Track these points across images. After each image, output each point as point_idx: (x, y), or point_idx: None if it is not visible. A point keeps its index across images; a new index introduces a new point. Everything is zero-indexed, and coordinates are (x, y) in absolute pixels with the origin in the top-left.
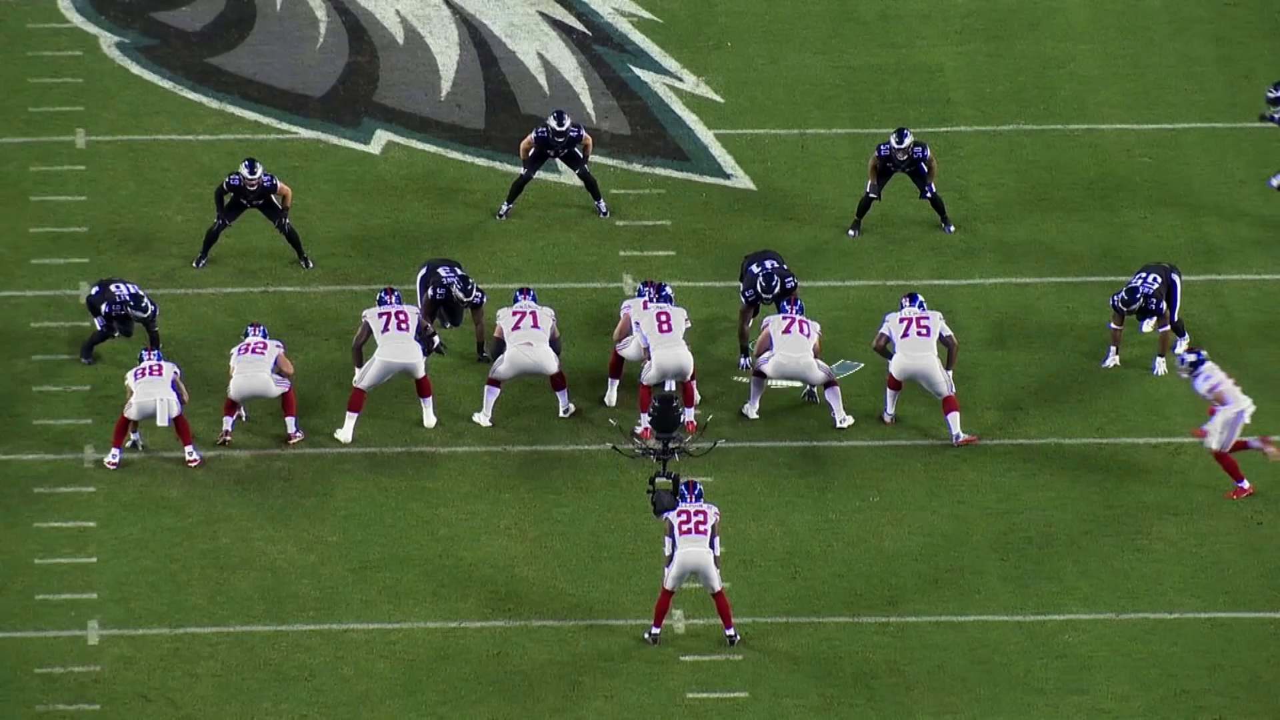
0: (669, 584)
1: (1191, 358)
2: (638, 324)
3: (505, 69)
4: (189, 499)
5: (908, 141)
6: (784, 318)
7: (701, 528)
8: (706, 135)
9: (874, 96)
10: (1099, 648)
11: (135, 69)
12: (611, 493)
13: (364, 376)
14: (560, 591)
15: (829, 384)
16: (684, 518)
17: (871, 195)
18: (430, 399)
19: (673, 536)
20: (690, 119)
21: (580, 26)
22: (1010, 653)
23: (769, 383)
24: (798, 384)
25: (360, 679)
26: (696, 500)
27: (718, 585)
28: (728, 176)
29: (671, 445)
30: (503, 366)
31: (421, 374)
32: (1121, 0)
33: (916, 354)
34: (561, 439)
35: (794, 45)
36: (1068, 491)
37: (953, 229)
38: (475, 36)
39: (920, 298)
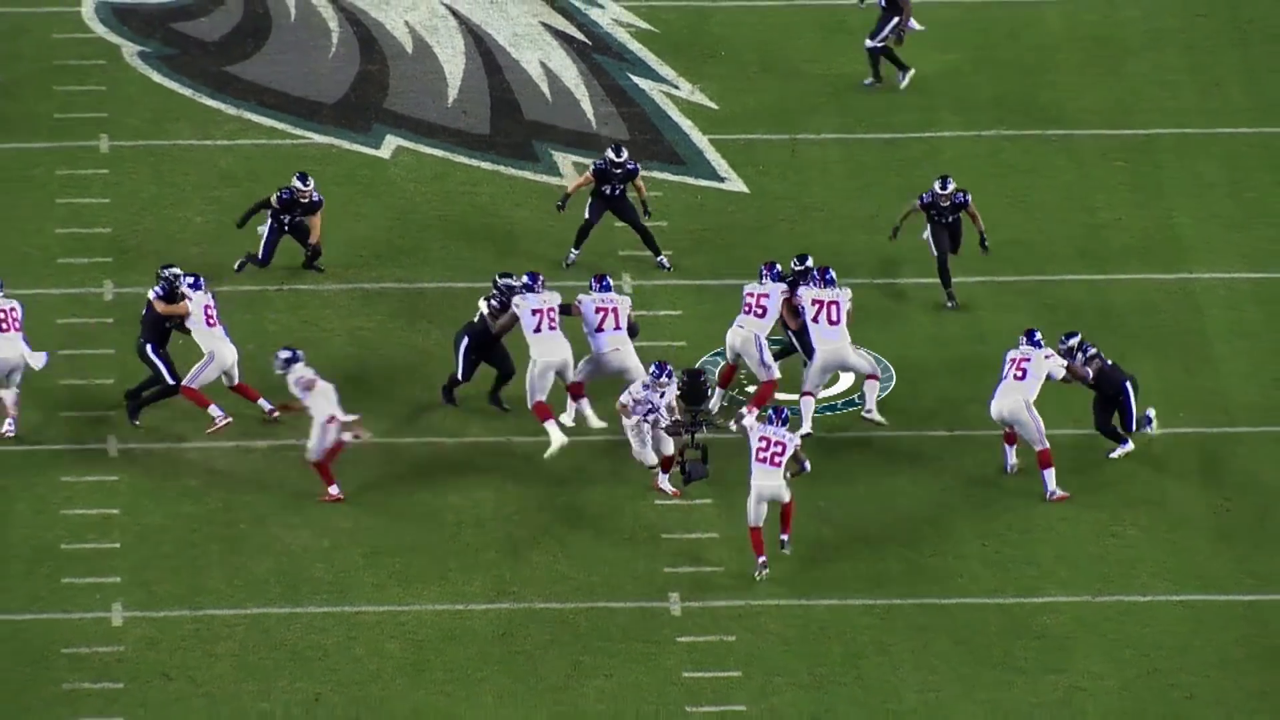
0: (751, 520)
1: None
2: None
3: (509, 77)
4: (208, 487)
5: (950, 188)
6: (814, 301)
7: (777, 460)
8: (701, 140)
9: (861, 103)
10: (1075, 629)
11: (156, 77)
12: (612, 481)
13: (534, 389)
14: (562, 575)
15: (870, 376)
16: (764, 444)
17: (894, 234)
18: (585, 399)
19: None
20: (686, 125)
21: (581, 36)
22: (991, 633)
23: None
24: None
25: (371, 658)
26: (781, 426)
27: (788, 498)
28: (721, 180)
29: (700, 418)
30: (588, 369)
31: (572, 376)
32: (1097, 12)
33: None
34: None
35: (785, 54)
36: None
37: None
38: (480, 46)
39: (1040, 340)
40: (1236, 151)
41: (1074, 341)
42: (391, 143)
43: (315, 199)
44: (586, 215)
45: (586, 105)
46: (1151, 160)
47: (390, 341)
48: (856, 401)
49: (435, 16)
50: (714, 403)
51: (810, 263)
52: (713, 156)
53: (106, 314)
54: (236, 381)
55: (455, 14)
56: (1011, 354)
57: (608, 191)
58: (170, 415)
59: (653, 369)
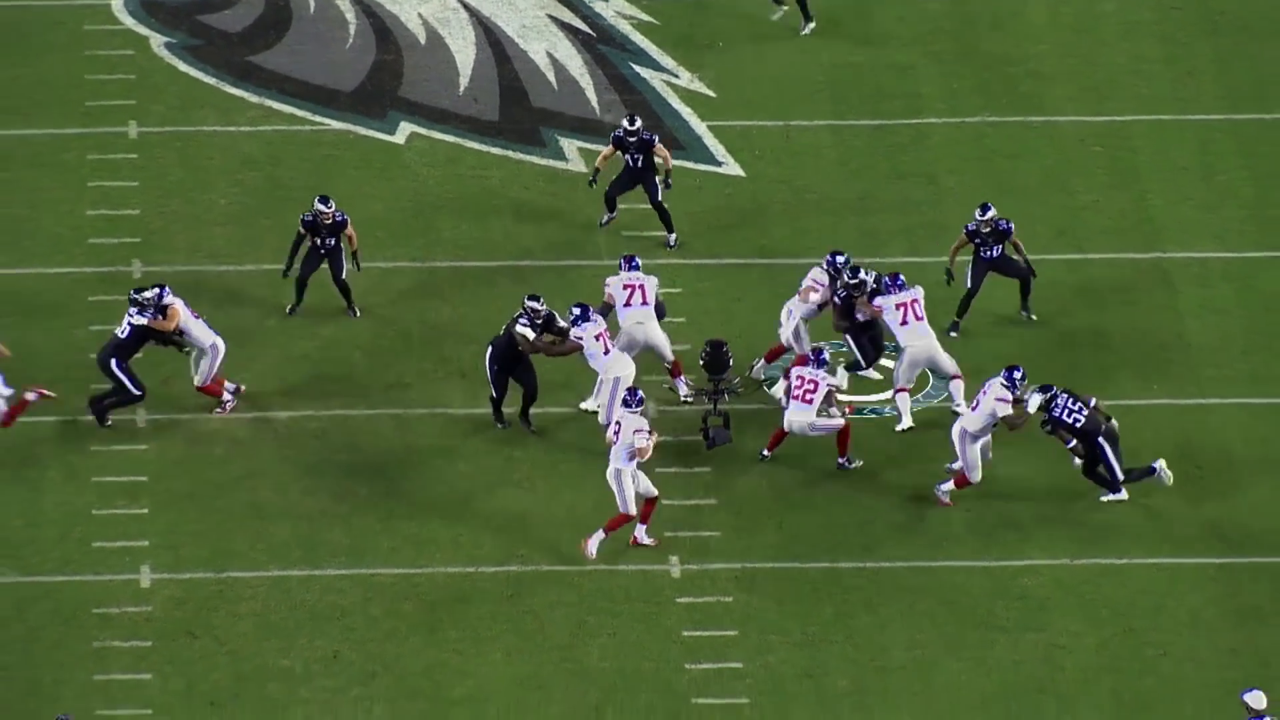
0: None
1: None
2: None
3: (517, 66)
4: (232, 456)
5: (990, 214)
6: (897, 306)
7: (809, 396)
8: (700, 126)
9: (852, 91)
10: (1055, 590)
11: (182, 66)
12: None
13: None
14: (568, 539)
15: (954, 376)
16: (799, 382)
17: (948, 279)
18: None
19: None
20: (685, 112)
21: (585, 28)
22: (975, 594)
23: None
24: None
25: (387, 618)
26: (819, 367)
27: (838, 425)
28: (719, 164)
29: (721, 386)
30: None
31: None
32: (1076, 4)
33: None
34: (570, 400)
35: (779, 45)
36: (1028, 450)
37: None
38: (490, 37)
39: (1017, 380)
40: (1208, 137)
41: (1047, 396)
42: (406, 129)
43: (339, 219)
44: (612, 180)
45: (591, 93)
46: (1127, 145)
47: (404, 317)
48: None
49: (447, 9)
50: (758, 369)
51: (864, 274)
52: (711, 142)
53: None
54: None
55: (466, 6)
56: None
57: (629, 162)
58: (194, 391)
59: (625, 396)
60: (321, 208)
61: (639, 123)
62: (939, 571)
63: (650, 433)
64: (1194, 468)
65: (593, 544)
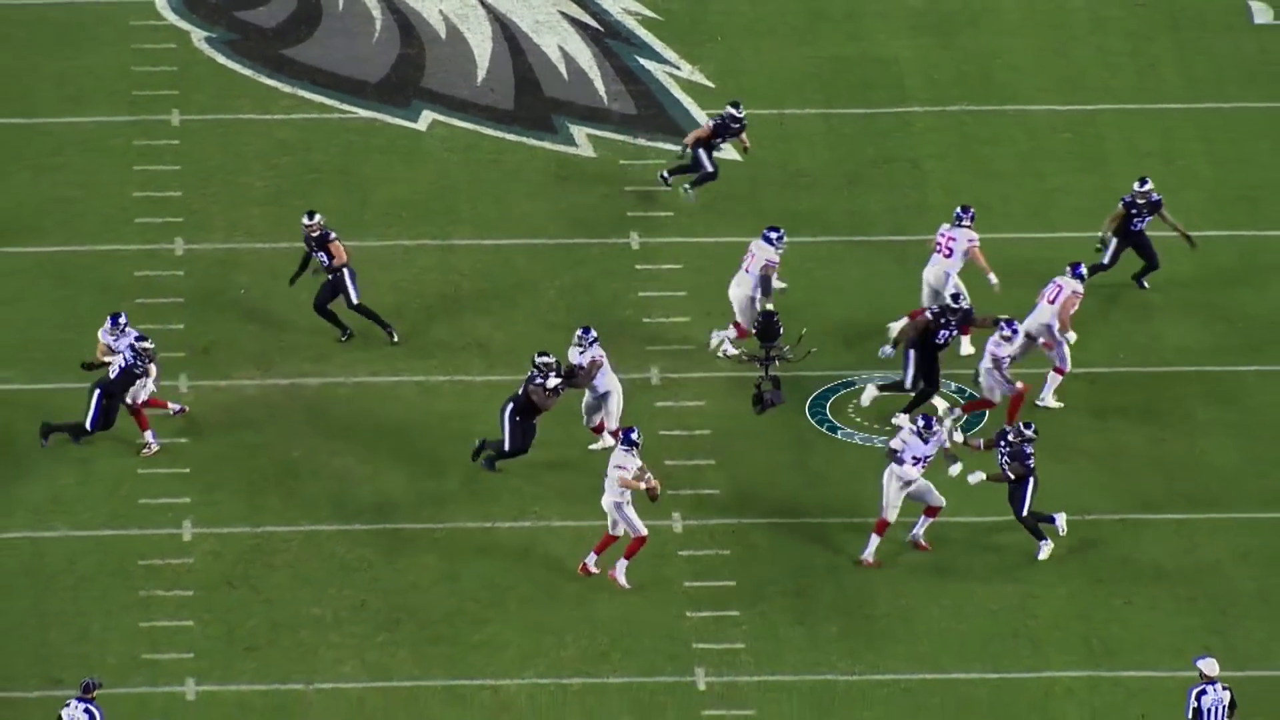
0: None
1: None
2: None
3: (531, 59)
4: (267, 419)
5: (1148, 186)
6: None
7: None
8: (700, 115)
9: (841, 82)
10: (1029, 544)
11: (221, 59)
12: (624, 415)
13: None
14: (579, 497)
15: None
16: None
17: (1100, 247)
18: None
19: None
20: (686, 101)
21: (594, 23)
22: (955, 548)
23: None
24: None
25: (410, 569)
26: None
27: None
28: (718, 150)
29: (772, 353)
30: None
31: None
32: (1048, 1)
33: None
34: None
35: (774, 39)
36: (1003, 416)
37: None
38: (506, 31)
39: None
40: (1170, 125)
41: (1028, 433)
42: (428, 117)
43: (321, 233)
44: (708, 165)
45: (599, 84)
46: (1095, 132)
47: (426, 291)
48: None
49: (466, 5)
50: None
51: (966, 303)
52: None
53: (178, 267)
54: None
55: (483, 3)
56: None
57: (719, 142)
58: (232, 359)
59: (624, 435)
60: (304, 220)
61: (743, 110)
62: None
63: (642, 471)
64: (1157, 431)
65: (620, 574)
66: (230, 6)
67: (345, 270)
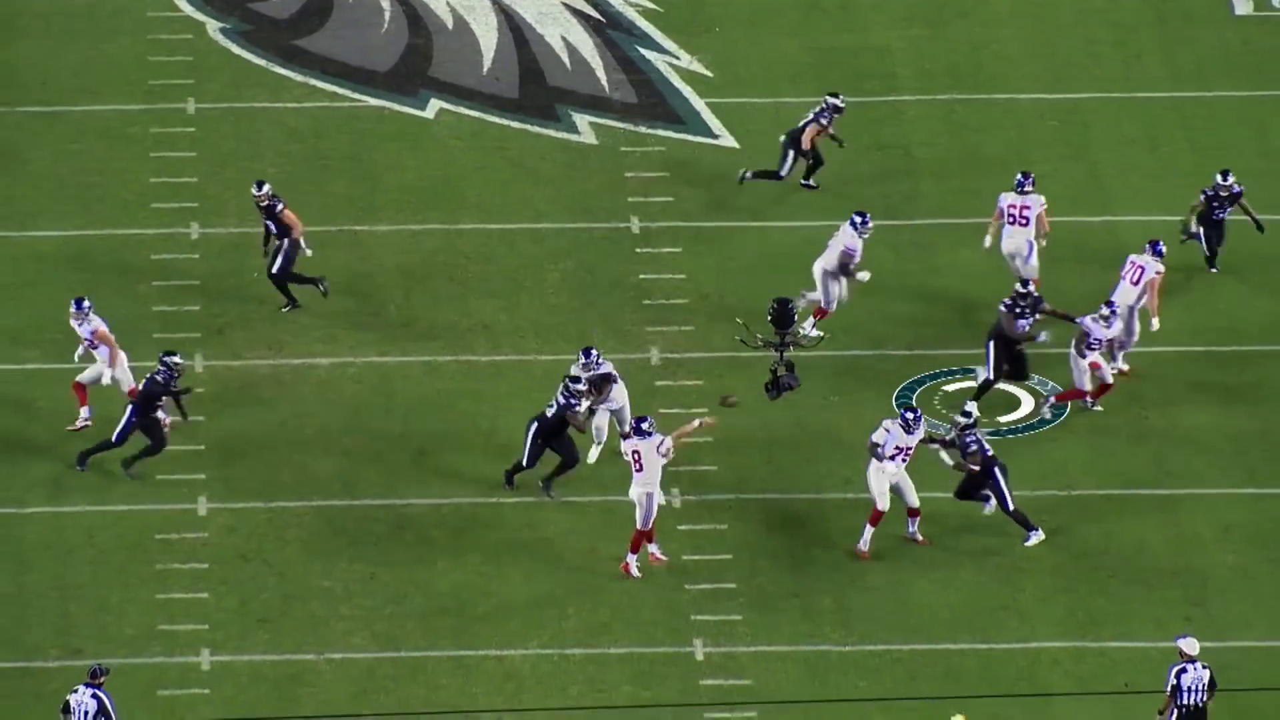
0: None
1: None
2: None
3: (535, 49)
4: (279, 398)
5: (1231, 179)
6: (1133, 265)
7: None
8: (699, 103)
9: (835, 72)
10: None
11: (235, 49)
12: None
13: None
14: (580, 474)
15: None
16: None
17: (1184, 237)
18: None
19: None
20: (686, 90)
21: (596, 14)
22: (945, 524)
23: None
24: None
25: (418, 544)
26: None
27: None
28: (716, 137)
29: (787, 339)
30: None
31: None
32: None
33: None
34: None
35: (770, 30)
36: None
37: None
38: (510, 22)
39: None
40: (1153, 113)
41: (965, 421)
42: (435, 105)
43: (270, 203)
44: (808, 160)
45: (600, 73)
46: (1081, 120)
47: (434, 274)
48: (1037, 425)
49: None
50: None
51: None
52: (708, 117)
53: (193, 250)
54: (81, 382)
55: None
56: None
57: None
58: (245, 340)
59: (636, 425)
60: (253, 190)
61: (842, 99)
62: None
63: (677, 437)
64: (1141, 410)
65: (651, 557)
66: None
67: (288, 240)
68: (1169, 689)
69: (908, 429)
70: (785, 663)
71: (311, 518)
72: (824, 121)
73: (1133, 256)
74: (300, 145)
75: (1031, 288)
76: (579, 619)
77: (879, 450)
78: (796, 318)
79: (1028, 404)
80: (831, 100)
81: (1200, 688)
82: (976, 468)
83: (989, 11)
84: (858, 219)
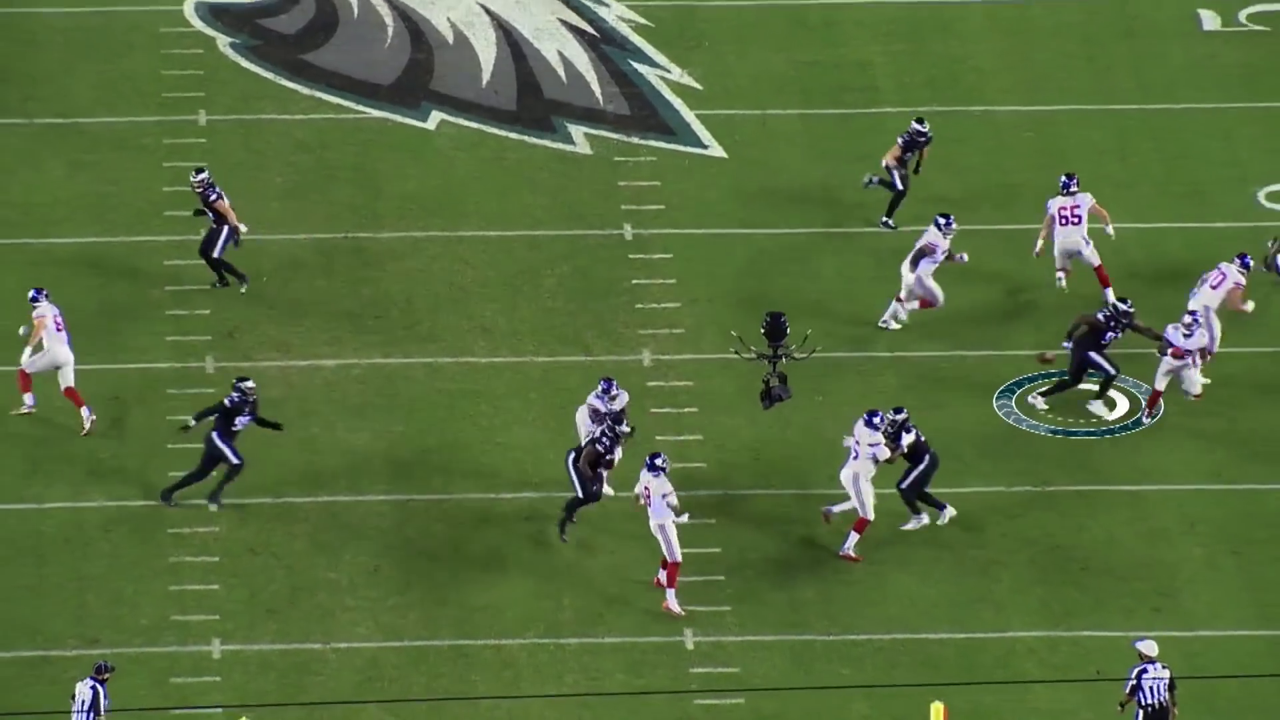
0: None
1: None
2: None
3: (532, 64)
4: (287, 398)
5: None
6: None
7: (1076, 214)
8: (689, 115)
9: (819, 85)
10: (990, 514)
11: (244, 63)
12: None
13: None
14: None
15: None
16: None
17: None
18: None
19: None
20: (676, 102)
21: (590, 30)
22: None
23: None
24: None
25: (420, 538)
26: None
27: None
28: (705, 147)
29: (780, 352)
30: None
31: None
32: (1011, 9)
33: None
34: (575, 352)
35: (757, 44)
36: (957, 399)
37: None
38: (509, 38)
39: (877, 423)
40: (1123, 125)
41: (900, 417)
42: (436, 117)
43: (204, 191)
44: (899, 184)
45: (595, 86)
46: (1054, 131)
47: (434, 279)
48: (1131, 426)
49: (472, 14)
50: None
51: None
52: (698, 128)
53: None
54: (68, 386)
55: (488, 11)
56: (854, 429)
57: (908, 158)
58: (254, 342)
59: (649, 461)
60: (190, 176)
61: (928, 125)
62: (893, 499)
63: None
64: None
65: (673, 604)
66: (253, 14)
67: (227, 227)
68: (1129, 689)
69: (873, 426)
70: (771, 652)
71: (318, 513)
72: (900, 142)
73: (1222, 265)
74: (307, 155)
75: (1130, 305)
76: (574, 610)
77: (853, 451)
78: (789, 331)
79: (1123, 404)
80: (916, 126)
81: (1160, 687)
82: (905, 452)
83: (966, 27)
84: (941, 220)
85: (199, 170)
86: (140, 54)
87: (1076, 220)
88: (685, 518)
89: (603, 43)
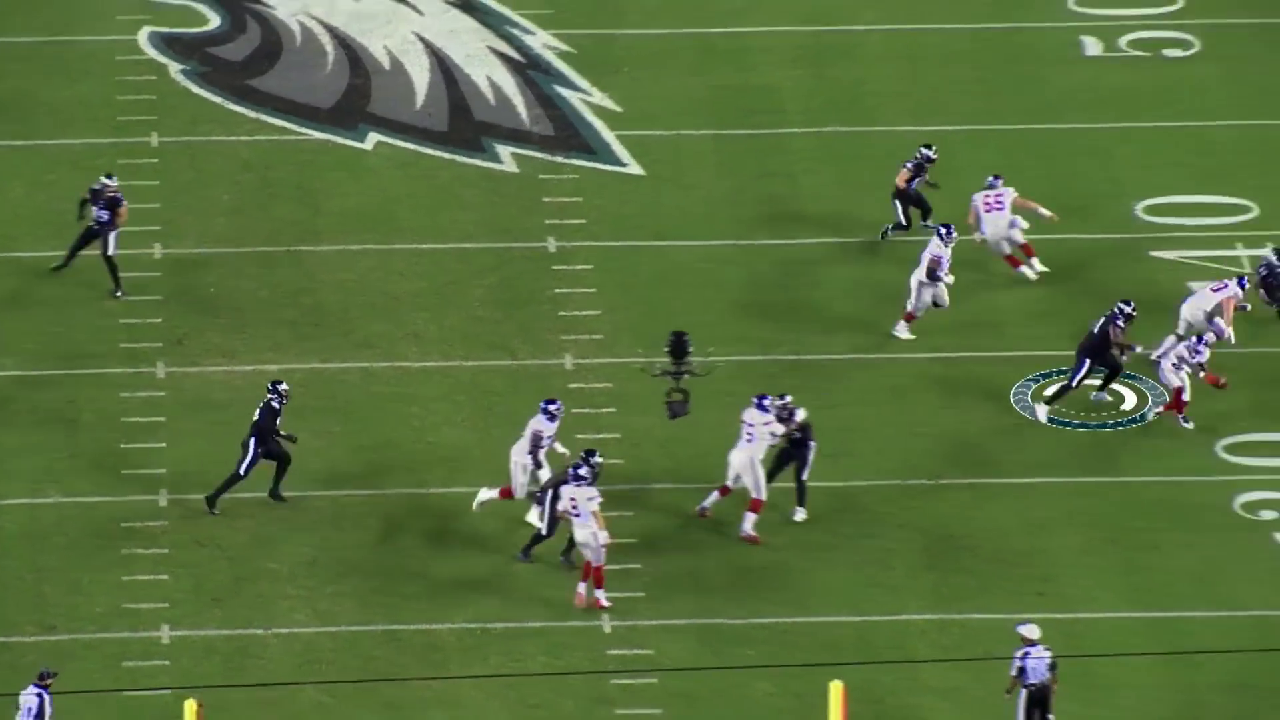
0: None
1: None
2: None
3: (463, 88)
4: (232, 401)
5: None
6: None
7: (1000, 201)
8: (609, 135)
9: (729, 107)
10: (886, 505)
11: (194, 89)
12: (542, 396)
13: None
14: (500, 467)
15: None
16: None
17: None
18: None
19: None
20: (597, 124)
21: (518, 56)
22: (823, 509)
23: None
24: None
25: (355, 530)
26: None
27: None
28: (624, 165)
29: (682, 369)
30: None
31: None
32: (907, 36)
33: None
34: (502, 357)
35: (671, 69)
36: (861, 392)
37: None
38: (441, 64)
39: (767, 405)
40: (1010, 144)
41: (787, 400)
42: (373, 138)
43: (116, 196)
44: (903, 219)
45: (521, 109)
46: (946, 150)
47: (370, 289)
48: (1137, 419)
49: (407, 42)
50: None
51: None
52: (617, 148)
53: (155, 269)
54: None
55: (422, 39)
56: (745, 415)
57: (917, 182)
58: (202, 349)
59: (573, 471)
60: (105, 181)
61: (935, 149)
62: (791, 492)
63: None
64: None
65: (602, 598)
66: (202, 43)
67: (115, 233)
68: (1015, 670)
69: (763, 409)
70: (683, 634)
71: (260, 507)
72: (908, 166)
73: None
74: (251, 175)
75: (1133, 307)
76: (498, 596)
77: (749, 434)
78: (692, 350)
79: (1130, 399)
80: (925, 151)
81: (1043, 669)
82: (798, 433)
83: (865, 53)
84: (943, 230)
85: (110, 175)
86: (96, 80)
87: (1000, 207)
88: (605, 537)
89: (529, 68)
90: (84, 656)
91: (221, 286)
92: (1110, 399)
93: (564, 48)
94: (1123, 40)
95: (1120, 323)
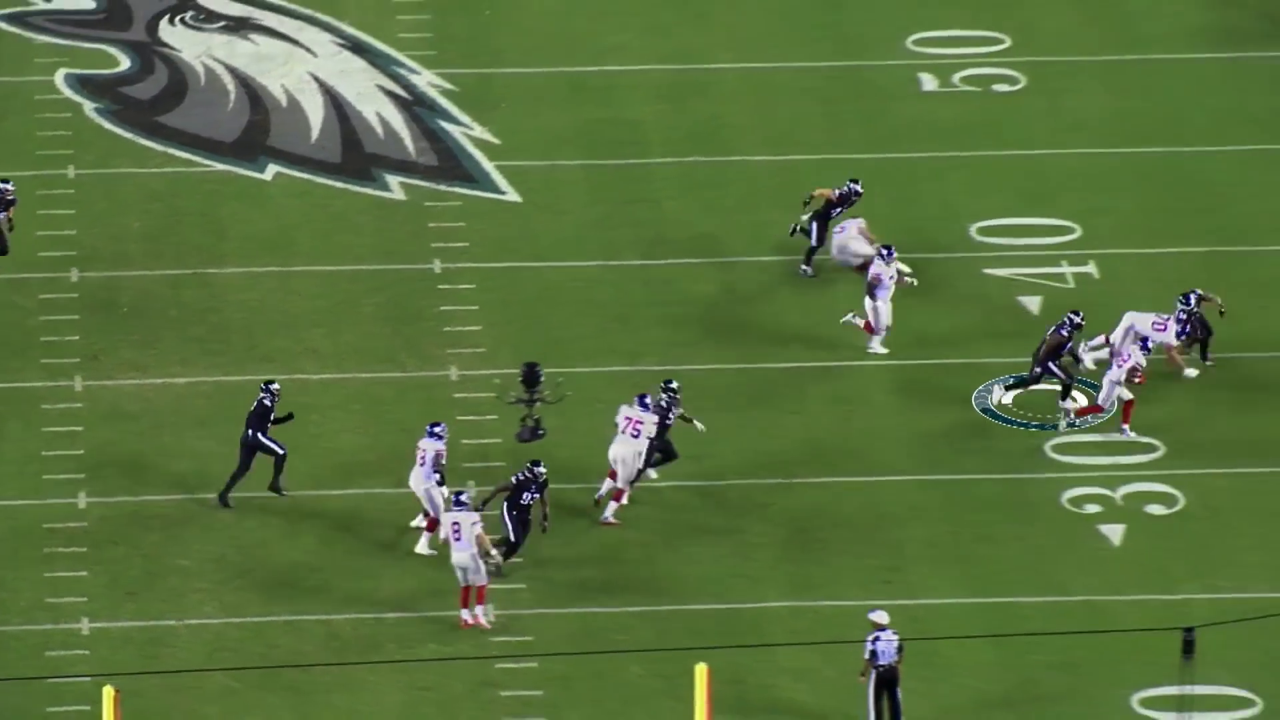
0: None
1: None
2: None
3: (354, 123)
4: (144, 412)
5: (1192, 302)
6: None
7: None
8: (488, 165)
9: (599, 139)
10: (744, 499)
11: (107, 125)
12: (429, 405)
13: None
14: (391, 470)
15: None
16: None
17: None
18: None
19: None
20: (478, 155)
21: (404, 94)
22: (689, 508)
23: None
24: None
25: (259, 529)
26: (859, 192)
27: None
28: (502, 193)
29: (534, 397)
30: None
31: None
32: (760, 74)
33: None
34: (392, 369)
35: (546, 105)
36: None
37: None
38: (334, 101)
39: (649, 403)
40: (856, 171)
41: (675, 385)
42: (272, 169)
43: (12, 197)
44: (813, 239)
45: (408, 142)
46: (796, 178)
47: (270, 309)
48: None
49: (302, 81)
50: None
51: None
52: (497, 177)
53: (73, 291)
54: None
55: (316, 79)
56: (627, 412)
57: (837, 212)
58: (115, 364)
59: (455, 498)
60: (4, 185)
61: (860, 186)
62: (662, 491)
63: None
64: (848, 408)
65: (483, 617)
66: (114, 83)
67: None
68: (867, 655)
69: (644, 405)
70: (560, 622)
71: (171, 509)
72: (836, 194)
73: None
74: (160, 204)
75: (1082, 318)
76: (392, 589)
77: (621, 430)
78: (543, 380)
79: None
80: (852, 185)
81: (891, 652)
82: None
83: (721, 89)
84: (884, 251)
85: (6, 179)
86: (16, 117)
87: (840, 230)
88: (499, 559)
89: (415, 105)
90: (10, 647)
91: (134, 306)
92: (1073, 405)
93: (447, 86)
94: (956, 77)
95: (1065, 331)
